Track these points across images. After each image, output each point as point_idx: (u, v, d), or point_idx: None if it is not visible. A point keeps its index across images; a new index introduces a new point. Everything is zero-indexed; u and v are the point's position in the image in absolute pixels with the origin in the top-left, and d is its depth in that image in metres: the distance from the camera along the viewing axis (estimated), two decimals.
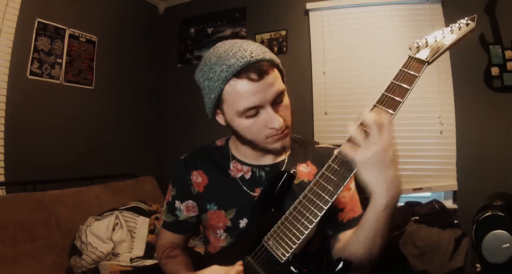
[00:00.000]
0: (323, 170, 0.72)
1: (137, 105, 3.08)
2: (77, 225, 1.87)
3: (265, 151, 0.86)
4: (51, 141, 2.31)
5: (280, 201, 0.83)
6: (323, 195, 0.70)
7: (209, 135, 1.48)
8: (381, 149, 0.64)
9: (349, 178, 0.69)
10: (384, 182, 0.66)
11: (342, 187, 0.68)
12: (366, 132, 0.66)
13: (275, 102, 0.79)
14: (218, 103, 0.82)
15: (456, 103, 2.35)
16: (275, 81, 0.78)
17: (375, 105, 0.70)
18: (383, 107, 0.68)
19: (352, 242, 0.79)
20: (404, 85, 0.69)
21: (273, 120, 0.78)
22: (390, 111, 0.68)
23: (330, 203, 0.69)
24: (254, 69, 0.75)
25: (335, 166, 0.71)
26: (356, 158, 0.66)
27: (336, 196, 0.69)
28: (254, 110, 0.78)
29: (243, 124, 0.80)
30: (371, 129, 0.65)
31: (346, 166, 0.69)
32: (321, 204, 0.69)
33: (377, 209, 0.69)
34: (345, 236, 0.87)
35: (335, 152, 0.72)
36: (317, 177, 0.72)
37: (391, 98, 0.69)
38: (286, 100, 0.83)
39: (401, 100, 0.68)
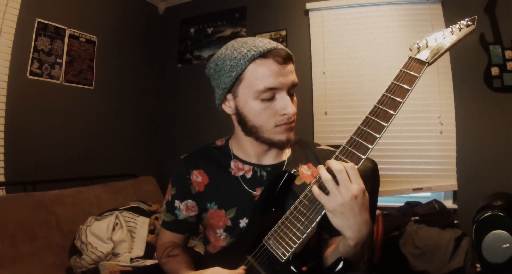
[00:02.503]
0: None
1: (137, 105, 3.08)
2: (77, 225, 1.87)
3: (269, 143, 0.86)
4: (51, 141, 2.31)
5: (280, 201, 0.83)
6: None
7: (209, 135, 1.48)
8: (350, 199, 0.64)
9: None
10: (354, 226, 0.67)
11: None
12: (335, 178, 0.66)
13: (289, 93, 0.83)
14: (234, 84, 0.83)
15: (456, 103, 2.35)
16: (293, 71, 0.83)
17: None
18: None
19: (330, 257, 0.78)
20: (405, 86, 0.69)
21: (287, 106, 0.80)
22: (391, 111, 0.68)
23: None
24: (280, 54, 0.80)
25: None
26: (325, 206, 0.67)
27: None
28: (271, 93, 0.80)
29: (256, 107, 0.81)
30: (339, 178, 0.65)
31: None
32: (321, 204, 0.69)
33: (348, 245, 0.70)
34: (334, 241, 0.86)
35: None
36: (317, 177, 0.72)
37: (391, 99, 0.69)
38: (295, 96, 0.86)
39: (401, 100, 0.68)
